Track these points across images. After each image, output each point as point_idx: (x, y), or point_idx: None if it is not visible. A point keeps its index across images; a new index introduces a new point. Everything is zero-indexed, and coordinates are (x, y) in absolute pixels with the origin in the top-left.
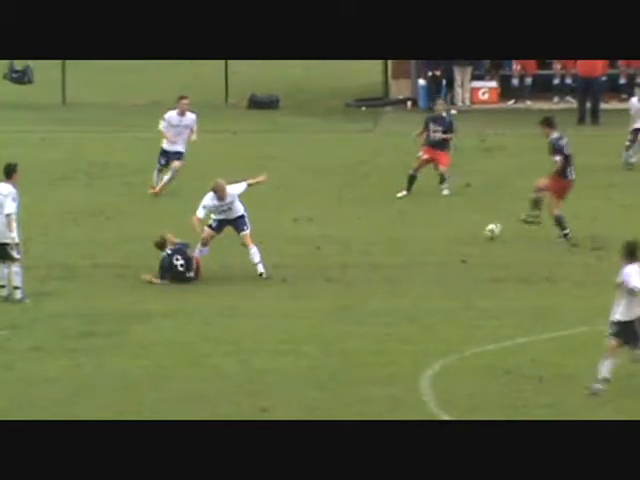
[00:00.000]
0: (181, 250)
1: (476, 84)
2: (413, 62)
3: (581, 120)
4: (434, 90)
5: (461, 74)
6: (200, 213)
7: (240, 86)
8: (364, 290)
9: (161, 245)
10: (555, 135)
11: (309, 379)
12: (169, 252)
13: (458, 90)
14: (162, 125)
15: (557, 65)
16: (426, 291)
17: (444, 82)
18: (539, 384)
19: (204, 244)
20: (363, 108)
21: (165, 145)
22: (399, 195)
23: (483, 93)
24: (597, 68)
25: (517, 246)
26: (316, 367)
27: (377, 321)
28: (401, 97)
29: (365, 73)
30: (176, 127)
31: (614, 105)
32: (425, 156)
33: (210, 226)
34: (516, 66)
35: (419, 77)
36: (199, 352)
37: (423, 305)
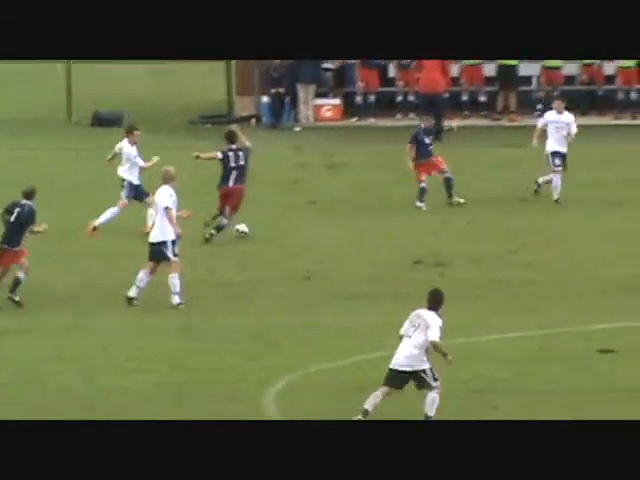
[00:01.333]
0: (23, 210)
1: (320, 101)
2: (257, 79)
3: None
4: (278, 107)
5: (305, 91)
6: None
7: (83, 102)
8: (209, 307)
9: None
10: (232, 146)
11: (158, 396)
12: (22, 203)
13: (302, 107)
14: (138, 159)
15: (400, 82)
16: (271, 308)
17: (288, 99)
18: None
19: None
20: (208, 125)
21: (135, 179)
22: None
23: (327, 110)
24: (439, 85)
25: (361, 263)
26: (166, 384)
27: (223, 338)
28: (245, 114)
29: (210, 90)
30: (136, 157)
31: (457, 122)
32: (424, 176)
33: None
34: (359, 83)
35: (263, 94)
36: (43, 371)
37: (269, 322)
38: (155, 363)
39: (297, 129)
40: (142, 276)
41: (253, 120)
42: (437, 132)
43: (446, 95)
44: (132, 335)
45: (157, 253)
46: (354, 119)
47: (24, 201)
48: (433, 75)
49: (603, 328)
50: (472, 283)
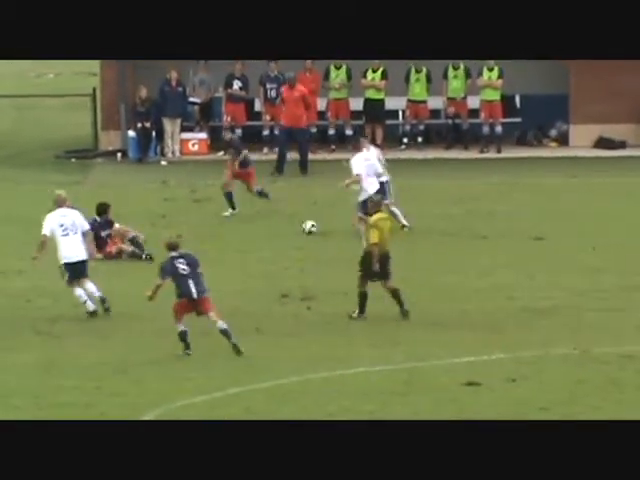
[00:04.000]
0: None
1: (186, 135)
2: (123, 113)
3: (279, 170)
4: (144, 141)
5: (171, 125)
6: None
7: None
8: (74, 343)
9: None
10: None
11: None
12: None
13: (168, 141)
14: None
15: (266, 116)
16: (136, 343)
17: (154, 133)
18: None
19: None
20: (73, 160)
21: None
22: (226, 214)
23: (193, 144)
24: (301, 120)
25: (227, 297)
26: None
27: (87, 374)
28: (111, 148)
29: (75, 125)
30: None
31: (323, 156)
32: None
33: None
34: (226, 118)
35: (129, 128)
36: None
37: (133, 357)
38: (18, 398)
39: (163, 163)
40: (82, 292)
41: (119, 154)
42: (303, 166)
43: (311, 129)
44: None
45: (82, 270)
46: (220, 153)
47: (183, 251)
48: (295, 110)
49: (468, 361)
50: (338, 317)
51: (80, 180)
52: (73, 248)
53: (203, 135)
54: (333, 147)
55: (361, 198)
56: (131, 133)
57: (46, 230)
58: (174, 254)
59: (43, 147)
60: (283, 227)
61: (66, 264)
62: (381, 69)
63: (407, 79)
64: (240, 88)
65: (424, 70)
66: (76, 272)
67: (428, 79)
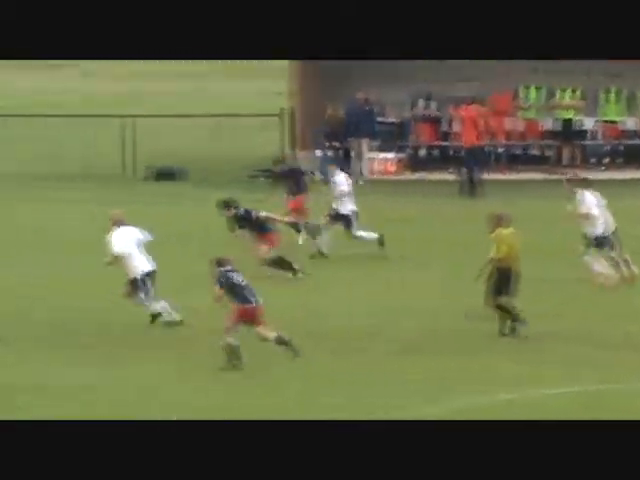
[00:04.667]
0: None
1: (374, 155)
2: (314, 134)
3: (462, 190)
4: (334, 161)
5: (359, 145)
6: None
7: (143, 157)
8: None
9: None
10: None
11: None
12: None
13: (361, 161)
14: None
15: (453, 137)
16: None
17: (343, 153)
18: None
19: None
20: (261, 179)
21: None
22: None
23: (384, 164)
24: (477, 139)
25: (415, 316)
26: None
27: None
28: (306, 168)
29: (268, 145)
30: None
31: (509, 176)
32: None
33: None
34: (416, 137)
35: (318, 149)
36: None
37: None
38: None
39: (361, 183)
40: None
41: (317, 173)
42: (474, 186)
43: (487, 149)
44: None
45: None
46: (412, 173)
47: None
48: (471, 130)
49: None
50: (528, 337)
51: (262, 199)
52: (146, 260)
53: (393, 155)
54: (520, 167)
55: (596, 232)
56: (319, 153)
57: (118, 249)
58: (228, 268)
59: (236, 166)
60: (456, 248)
61: (145, 274)
62: (577, 90)
63: (599, 99)
64: (430, 108)
65: (616, 90)
66: (152, 282)
67: (621, 99)
